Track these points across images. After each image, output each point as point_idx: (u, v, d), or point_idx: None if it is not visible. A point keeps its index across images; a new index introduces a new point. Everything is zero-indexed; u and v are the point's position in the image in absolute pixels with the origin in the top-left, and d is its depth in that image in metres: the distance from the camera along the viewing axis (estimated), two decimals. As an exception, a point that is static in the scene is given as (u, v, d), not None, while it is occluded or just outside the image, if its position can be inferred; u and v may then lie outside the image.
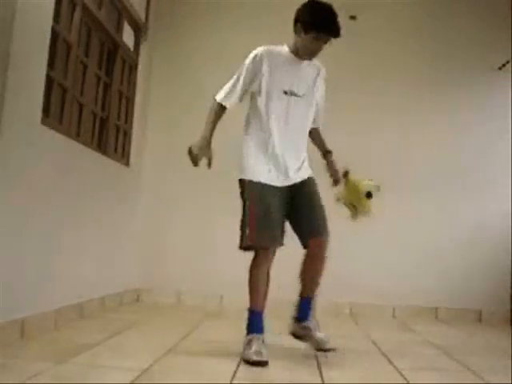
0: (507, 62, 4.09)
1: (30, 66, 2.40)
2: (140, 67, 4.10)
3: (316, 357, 2.33)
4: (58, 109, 2.84)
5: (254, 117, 2.41)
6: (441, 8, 4.29)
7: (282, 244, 2.37)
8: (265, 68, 2.33)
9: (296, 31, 2.34)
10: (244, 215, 2.34)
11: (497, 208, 4.04)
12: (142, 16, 4.10)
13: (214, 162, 4.12)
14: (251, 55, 2.37)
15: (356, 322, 3.61)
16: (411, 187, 4.11)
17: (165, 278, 4.08)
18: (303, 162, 2.45)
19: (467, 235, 4.04)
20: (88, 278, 3.19)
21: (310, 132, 2.55)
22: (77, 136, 3.10)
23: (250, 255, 4.07)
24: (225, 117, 2.47)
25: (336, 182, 2.58)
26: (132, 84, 4.04)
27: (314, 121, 2.54)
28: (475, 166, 4.12)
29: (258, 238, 2.29)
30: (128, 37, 3.93)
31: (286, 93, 2.34)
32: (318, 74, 2.46)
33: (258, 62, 2.34)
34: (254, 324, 2.28)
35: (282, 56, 2.38)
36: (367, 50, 4.23)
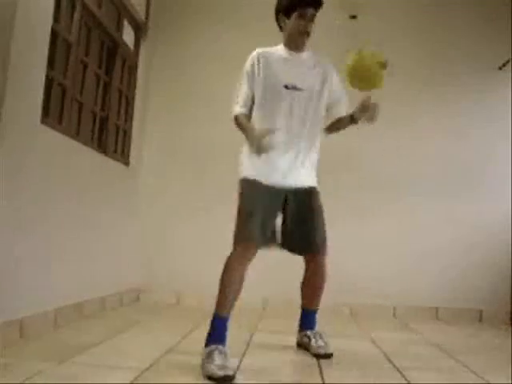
0: (507, 62, 4.08)
1: (29, 66, 2.40)
2: (140, 66, 4.10)
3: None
4: (57, 108, 2.83)
5: (255, 117, 2.32)
6: (441, 8, 4.29)
7: (265, 245, 2.25)
8: (261, 67, 2.30)
9: (280, 23, 2.33)
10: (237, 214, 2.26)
11: (497, 208, 4.04)
12: (142, 15, 4.10)
13: (213, 162, 4.17)
14: (248, 61, 2.34)
15: (356, 321, 3.60)
16: (411, 187, 4.11)
17: (165, 278, 4.07)
18: (307, 168, 2.34)
19: (467, 235, 4.03)
20: (88, 277, 3.19)
21: (333, 124, 2.47)
22: (76, 135, 3.10)
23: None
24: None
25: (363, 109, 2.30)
26: (132, 83, 4.03)
27: (332, 114, 2.44)
28: (475, 166, 4.12)
29: (238, 235, 2.21)
30: (128, 36, 3.92)
31: (287, 87, 2.27)
32: (317, 66, 2.37)
33: (254, 64, 2.31)
34: (217, 332, 2.09)
35: (277, 53, 2.35)
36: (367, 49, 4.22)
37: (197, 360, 2.00)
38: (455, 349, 2.69)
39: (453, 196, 4.09)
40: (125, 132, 3.95)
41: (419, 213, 4.08)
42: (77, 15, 2.98)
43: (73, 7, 2.96)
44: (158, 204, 4.19)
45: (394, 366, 2.23)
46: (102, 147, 3.52)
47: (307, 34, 2.30)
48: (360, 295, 3.92)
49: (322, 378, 1.98)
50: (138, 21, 4.02)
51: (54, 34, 2.69)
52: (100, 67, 3.51)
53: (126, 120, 3.97)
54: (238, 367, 2.04)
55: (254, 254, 2.22)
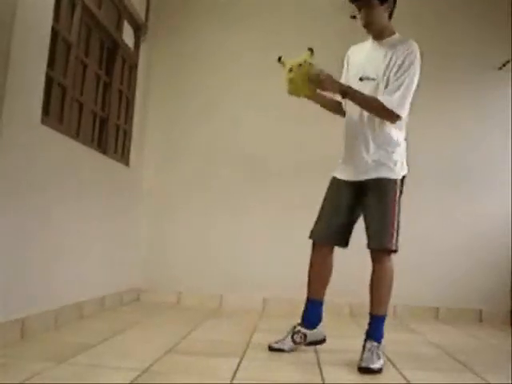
0: (507, 62, 4.08)
1: (29, 66, 2.39)
2: (140, 67, 4.10)
3: (317, 356, 2.33)
4: (57, 108, 2.83)
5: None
6: (442, 7, 4.29)
7: (334, 242, 2.43)
8: (348, 63, 2.47)
9: None
10: None
11: (497, 208, 4.04)
12: (142, 15, 4.09)
13: (214, 161, 4.17)
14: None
15: (356, 322, 3.60)
16: (412, 187, 4.09)
17: (165, 278, 4.07)
18: (377, 159, 2.31)
19: (468, 235, 4.03)
20: (88, 277, 3.18)
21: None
22: (76, 136, 3.09)
23: (247, 256, 4.08)
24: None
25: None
26: (132, 83, 4.03)
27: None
28: (475, 167, 4.12)
29: (312, 231, 2.42)
30: (128, 36, 3.92)
31: (361, 79, 2.32)
32: (390, 51, 2.26)
33: (344, 62, 2.51)
34: (304, 311, 2.45)
35: (364, 46, 2.43)
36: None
37: (196, 360, 2.00)
38: (455, 349, 2.69)
39: (453, 196, 4.09)
40: (125, 132, 3.95)
41: (419, 213, 4.07)
42: (77, 15, 2.98)
43: (73, 7, 2.96)
44: (157, 204, 4.19)
45: (394, 365, 2.23)
46: (102, 147, 3.52)
47: (367, 24, 2.31)
48: (360, 295, 3.90)
49: (322, 378, 1.98)
50: (138, 21, 4.02)
51: (54, 34, 2.69)
52: (100, 67, 3.50)
53: (126, 120, 3.97)
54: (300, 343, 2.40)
55: (323, 252, 2.43)
